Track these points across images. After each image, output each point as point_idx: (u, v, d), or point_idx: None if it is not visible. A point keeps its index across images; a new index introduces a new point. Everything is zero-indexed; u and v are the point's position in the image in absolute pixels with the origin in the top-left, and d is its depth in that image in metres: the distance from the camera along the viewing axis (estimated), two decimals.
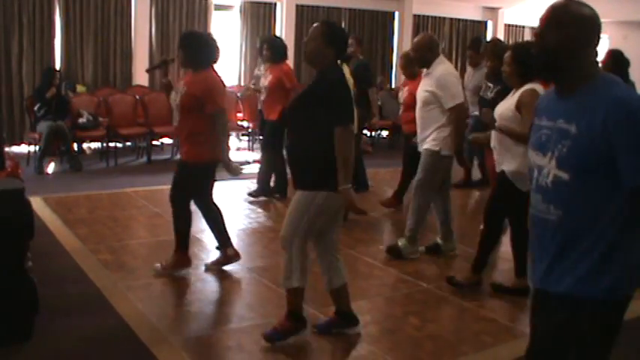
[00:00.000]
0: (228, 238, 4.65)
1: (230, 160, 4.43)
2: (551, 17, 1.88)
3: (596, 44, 1.91)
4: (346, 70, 5.82)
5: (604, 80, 1.88)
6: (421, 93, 4.87)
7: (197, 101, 4.26)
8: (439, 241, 5.14)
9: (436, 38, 5.09)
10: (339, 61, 3.41)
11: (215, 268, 4.61)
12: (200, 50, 4.34)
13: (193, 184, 4.47)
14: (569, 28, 1.86)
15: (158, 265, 4.51)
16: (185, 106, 4.30)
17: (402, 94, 6.15)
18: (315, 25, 3.40)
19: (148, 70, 4.89)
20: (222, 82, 4.42)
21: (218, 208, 4.60)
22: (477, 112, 6.08)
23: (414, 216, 4.94)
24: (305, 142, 3.34)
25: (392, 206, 6.52)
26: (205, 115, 4.27)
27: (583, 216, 1.86)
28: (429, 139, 4.81)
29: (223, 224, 4.62)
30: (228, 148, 4.45)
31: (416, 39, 4.97)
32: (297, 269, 3.38)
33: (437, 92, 4.71)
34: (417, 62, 4.96)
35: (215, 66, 4.43)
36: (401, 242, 5.01)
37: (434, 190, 4.94)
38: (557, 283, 1.93)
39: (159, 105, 8.52)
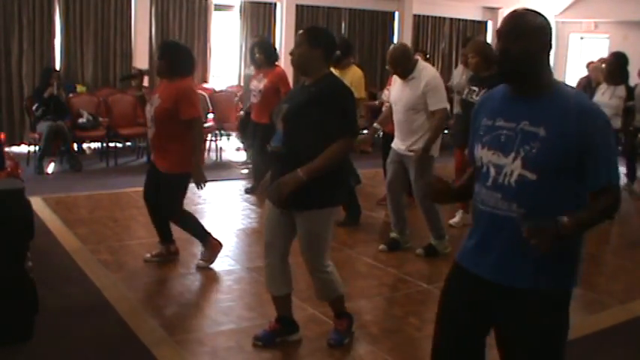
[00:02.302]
0: (171, 234, 4.75)
1: (200, 167, 4.48)
2: (513, 29, 2.00)
3: (550, 49, 2.04)
4: (350, 75, 5.86)
5: (566, 88, 2.05)
6: (405, 97, 4.86)
7: (171, 111, 4.32)
8: (396, 236, 5.22)
9: (408, 45, 5.18)
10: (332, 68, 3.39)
11: (155, 260, 4.71)
12: (180, 61, 4.44)
13: (177, 193, 4.53)
14: (530, 38, 1.98)
15: (201, 262, 4.66)
16: (159, 117, 4.36)
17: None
18: (299, 32, 3.34)
19: (122, 80, 4.97)
20: (195, 90, 4.56)
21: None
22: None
23: (433, 220, 5.05)
24: (311, 153, 3.14)
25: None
26: (180, 125, 4.33)
27: (547, 214, 1.93)
28: (419, 145, 4.83)
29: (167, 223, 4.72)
30: (202, 155, 4.56)
31: (390, 53, 4.91)
32: (338, 279, 3.44)
33: (426, 95, 4.76)
34: (400, 74, 4.89)
35: (190, 77, 4.58)
36: (433, 241, 5.12)
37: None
38: (519, 279, 2.03)
39: None
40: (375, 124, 5.43)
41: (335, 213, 3.38)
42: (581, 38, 14.79)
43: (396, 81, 5.10)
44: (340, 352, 3.52)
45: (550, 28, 2.04)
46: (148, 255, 4.74)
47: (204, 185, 4.48)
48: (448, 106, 5.00)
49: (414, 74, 4.81)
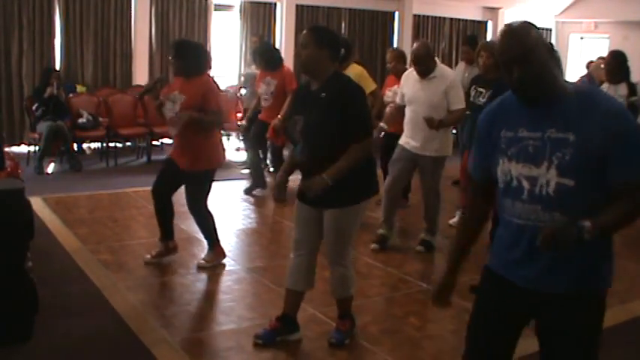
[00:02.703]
0: (172, 232, 4.76)
1: (175, 119, 4.44)
2: (515, 55, 1.93)
3: (553, 52, 1.99)
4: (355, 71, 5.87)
5: (580, 88, 2.00)
6: (426, 96, 4.87)
7: (197, 107, 4.35)
8: (384, 232, 5.27)
9: (430, 44, 5.21)
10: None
11: (156, 261, 4.71)
12: (197, 59, 4.46)
13: (203, 190, 4.57)
14: (534, 55, 1.93)
15: (202, 261, 4.67)
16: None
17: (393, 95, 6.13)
18: (303, 32, 3.31)
19: (142, 95, 4.96)
20: (217, 85, 4.56)
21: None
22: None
23: (435, 217, 5.19)
24: (335, 159, 3.20)
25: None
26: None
27: (586, 217, 1.90)
28: (435, 145, 4.92)
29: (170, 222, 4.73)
30: (187, 119, 4.35)
31: (416, 52, 4.94)
32: (353, 278, 3.51)
33: (449, 93, 4.84)
34: (421, 72, 4.93)
35: (209, 72, 4.59)
36: (426, 237, 5.23)
37: None
38: (567, 284, 2.01)
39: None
40: (381, 124, 5.39)
41: (363, 209, 3.43)
42: (581, 38, 14.79)
43: (408, 80, 5.09)
44: (340, 352, 3.52)
45: (539, 33, 1.99)
46: (148, 256, 4.74)
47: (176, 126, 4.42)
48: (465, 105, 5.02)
49: (435, 73, 4.86)
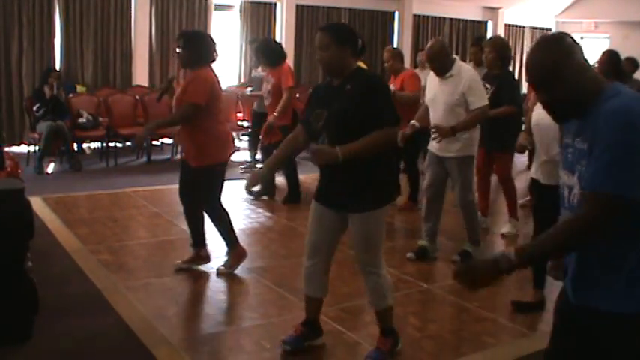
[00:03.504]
0: (204, 238, 4.66)
1: (149, 130, 4.46)
2: (541, 78, 1.86)
3: (582, 62, 1.87)
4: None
5: (606, 95, 1.84)
6: (445, 96, 4.72)
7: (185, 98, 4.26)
8: (426, 244, 5.05)
9: (445, 42, 5.03)
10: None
11: (186, 266, 4.62)
12: (202, 49, 4.34)
13: (213, 187, 4.47)
14: (563, 73, 1.83)
15: (222, 267, 4.57)
16: (177, 107, 4.32)
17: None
18: (318, 34, 3.19)
19: (159, 97, 4.94)
20: (208, 79, 4.32)
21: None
22: None
23: (472, 224, 4.96)
24: (358, 165, 3.07)
25: (408, 209, 6.51)
26: (201, 114, 4.25)
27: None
28: (458, 145, 4.72)
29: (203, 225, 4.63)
30: (161, 126, 4.43)
31: (430, 49, 4.81)
32: (390, 286, 3.38)
33: (467, 92, 4.63)
34: (438, 70, 4.78)
35: (213, 65, 4.42)
36: (469, 247, 4.98)
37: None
38: (591, 300, 1.89)
39: (159, 105, 8.50)
40: (412, 121, 5.27)
41: (386, 212, 3.31)
42: (582, 38, 14.78)
43: (430, 80, 4.94)
44: (341, 353, 3.52)
45: (571, 42, 1.87)
46: (179, 261, 4.62)
47: (138, 145, 4.42)
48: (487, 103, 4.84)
49: (452, 72, 4.69)
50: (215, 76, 4.38)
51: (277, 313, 3.63)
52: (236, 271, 4.65)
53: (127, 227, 5.76)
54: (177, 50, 4.41)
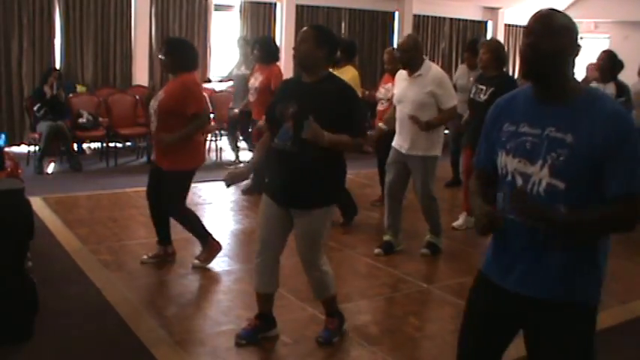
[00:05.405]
0: (169, 235, 4.73)
1: (164, 139, 4.39)
2: (544, 25, 1.94)
3: (578, 53, 2.00)
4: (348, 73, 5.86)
5: (593, 93, 1.98)
6: (412, 94, 4.81)
7: (172, 106, 4.32)
8: (390, 239, 5.16)
9: (419, 39, 5.16)
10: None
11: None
12: (182, 56, 4.44)
13: (182, 190, 4.54)
14: (562, 36, 1.93)
15: (196, 261, 4.64)
16: (161, 111, 4.36)
17: (386, 92, 6.12)
18: (304, 28, 3.35)
19: (146, 104, 5.02)
20: (199, 85, 4.52)
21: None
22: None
23: (435, 218, 5.10)
24: (318, 160, 3.18)
25: (381, 201, 6.48)
26: (182, 121, 4.33)
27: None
28: (423, 144, 4.83)
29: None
30: (178, 138, 4.36)
31: (401, 41, 4.96)
32: (332, 278, 3.48)
33: (436, 92, 4.74)
34: (405, 64, 4.87)
35: (194, 72, 4.55)
36: (431, 239, 5.15)
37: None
38: (546, 290, 1.98)
39: None
40: (380, 124, 5.37)
41: (332, 212, 3.45)
42: (581, 38, 14.76)
43: (399, 79, 5.05)
44: (340, 352, 3.52)
45: (577, 32, 1.99)
46: (145, 256, 4.73)
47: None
48: (457, 102, 4.98)
49: (420, 71, 4.78)
50: (197, 81, 4.57)
51: (277, 313, 3.63)
52: (235, 271, 4.66)
53: (127, 227, 5.77)
54: (161, 56, 4.53)
